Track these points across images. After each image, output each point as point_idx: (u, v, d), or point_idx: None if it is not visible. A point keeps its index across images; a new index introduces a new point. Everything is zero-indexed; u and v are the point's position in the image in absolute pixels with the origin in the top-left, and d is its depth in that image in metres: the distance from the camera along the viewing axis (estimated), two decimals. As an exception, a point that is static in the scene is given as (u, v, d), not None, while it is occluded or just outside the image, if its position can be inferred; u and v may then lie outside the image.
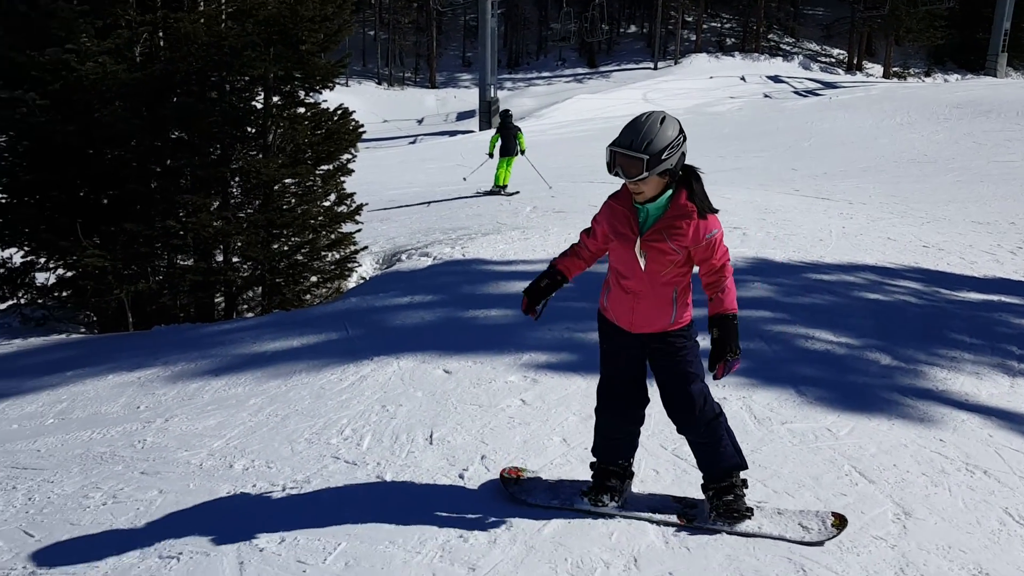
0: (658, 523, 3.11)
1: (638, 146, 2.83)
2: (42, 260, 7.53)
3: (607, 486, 3.26)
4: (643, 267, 2.96)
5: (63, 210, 7.26)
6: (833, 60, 46.39)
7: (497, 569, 2.82)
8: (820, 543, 2.97)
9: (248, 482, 3.55)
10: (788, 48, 47.02)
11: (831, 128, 24.75)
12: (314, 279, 8.34)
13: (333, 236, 8.50)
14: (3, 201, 7.38)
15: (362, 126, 8.51)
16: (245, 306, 8.46)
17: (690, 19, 48.85)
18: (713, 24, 50.17)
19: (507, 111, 15.41)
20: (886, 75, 43.17)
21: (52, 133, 7.12)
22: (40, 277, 7.69)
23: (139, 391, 5.02)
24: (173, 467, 3.77)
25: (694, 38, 47.77)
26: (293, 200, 8.09)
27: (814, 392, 4.46)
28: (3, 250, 7.45)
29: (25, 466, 4.00)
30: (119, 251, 7.19)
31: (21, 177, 7.34)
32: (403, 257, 8.86)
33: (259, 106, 7.95)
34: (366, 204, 8.93)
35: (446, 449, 3.76)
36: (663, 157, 2.83)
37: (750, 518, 3.08)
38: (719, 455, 3.10)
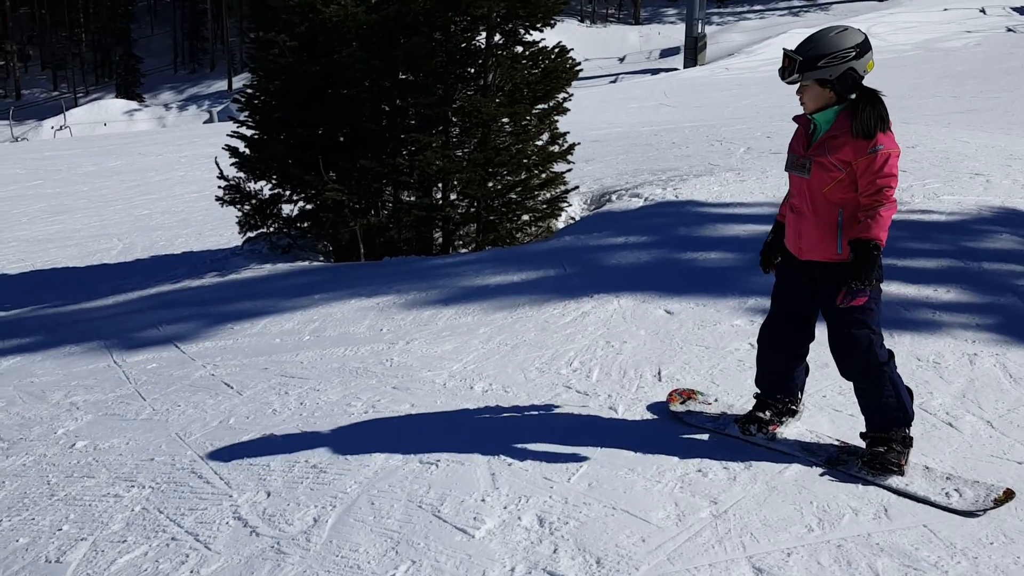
0: (800, 460, 3.11)
1: (800, 49, 2.87)
2: (287, 193, 8.24)
3: (756, 416, 3.31)
4: (803, 176, 2.98)
5: (306, 147, 7.89)
6: (1095, -16, 40.56)
7: (740, 505, 2.86)
8: (968, 513, 2.75)
9: (489, 403, 3.80)
10: (1039, -28, 41.61)
11: (1086, 64, 21.87)
12: (526, 217, 8.56)
13: (544, 176, 8.66)
14: (255, 137, 8.11)
15: (579, 64, 8.53)
16: (460, 242, 8.84)
17: (922, -57, 44.35)
18: (949, -52, 45.29)
19: None
20: None
21: (298, 73, 7.71)
22: (284, 209, 8.42)
23: (380, 315, 5.44)
24: (420, 385, 4.10)
25: (926, -36, 43.41)
26: (509, 139, 8.30)
27: (1079, 354, 4.08)
28: (255, 183, 8.23)
29: (293, 375, 4.50)
30: (354, 186, 7.74)
31: (271, 115, 8.04)
32: (612, 198, 8.89)
33: (481, 45, 8.16)
34: (579, 143, 9.00)
35: (675, 387, 3.82)
36: (819, 64, 2.83)
37: (899, 474, 2.93)
38: (880, 405, 3.01)
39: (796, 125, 3.11)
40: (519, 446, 3.33)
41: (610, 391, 3.85)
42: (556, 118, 8.68)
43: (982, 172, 8.73)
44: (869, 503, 2.85)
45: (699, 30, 30.74)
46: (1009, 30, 30.62)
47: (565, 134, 8.70)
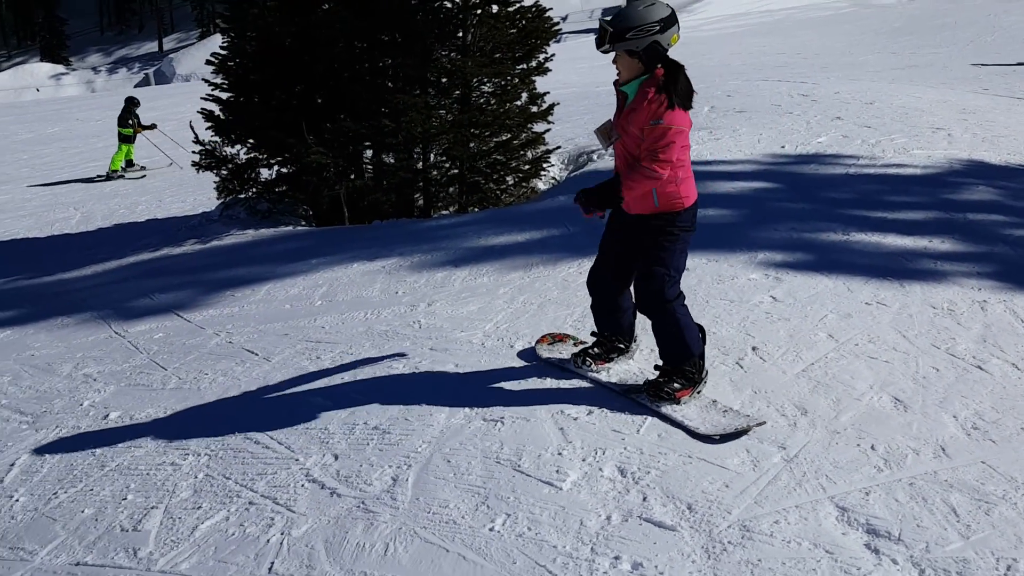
0: (607, 389, 3.46)
1: (612, 21, 3.07)
2: (263, 157, 8.06)
3: (587, 351, 3.63)
4: (609, 145, 3.27)
5: (284, 109, 7.71)
6: (1017, -56, 41.83)
7: (807, 449, 3.00)
8: (706, 437, 3.04)
9: (533, 361, 3.84)
10: (965, -69, 42.67)
11: (1018, 21, 22.66)
12: (510, 179, 8.56)
13: (525, 136, 8.65)
14: (231, 100, 7.89)
15: (557, 24, 8.51)
16: (440, 204, 8.80)
17: (854, -99, 44.97)
18: (879, -94, 46.02)
19: (131, 98, 14.93)
20: (1080, -40, 38.60)
21: (276, 34, 7.51)
22: (263, 173, 8.24)
23: (389, 278, 5.42)
24: (457, 345, 4.12)
25: (857, -77, 44.06)
26: (493, 100, 8.25)
27: (1078, 298, 4.33)
28: (232, 147, 8.02)
29: (318, 340, 4.47)
30: (337, 148, 7.61)
31: (247, 77, 7.82)
32: (593, 157, 8.95)
33: (459, 2, 8.06)
34: (558, 103, 9.00)
35: (715, 340, 3.93)
36: (627, 36, 3.04)
37: (674, 403, 3.23)
38: (666, 341, 3.32)
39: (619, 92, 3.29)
40: (579, 400, 3.40)
41: (651, 345, 3.93)
42: (535, 78, 8.67)
43: (942, 127, 9.05)
44: (926, 443, 3.01)
45: (642, -12, 30.81)
46: (940, -12, 31.41)
47: (544, 94, 8.69)
